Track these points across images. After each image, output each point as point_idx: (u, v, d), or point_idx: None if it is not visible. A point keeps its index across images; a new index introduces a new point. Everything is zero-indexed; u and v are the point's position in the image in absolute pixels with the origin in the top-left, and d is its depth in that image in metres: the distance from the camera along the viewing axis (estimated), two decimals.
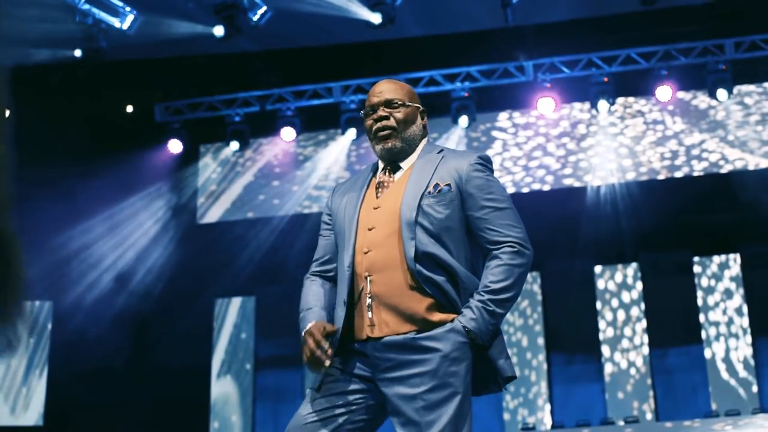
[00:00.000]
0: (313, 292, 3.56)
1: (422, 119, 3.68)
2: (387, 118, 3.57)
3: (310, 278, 3.63)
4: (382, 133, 3.56)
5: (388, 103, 3.59)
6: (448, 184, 3.43)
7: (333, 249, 3.61)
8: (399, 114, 3.58)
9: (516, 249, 3.41)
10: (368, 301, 3.33)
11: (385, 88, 3.65)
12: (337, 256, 3.57)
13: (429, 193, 3.41)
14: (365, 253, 3.38)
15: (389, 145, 3.55)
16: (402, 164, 3.58)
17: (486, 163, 3.56)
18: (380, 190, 3.54)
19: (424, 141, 3.67)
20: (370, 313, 3.32)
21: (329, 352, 3.29)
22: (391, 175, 3.57)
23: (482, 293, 3.32)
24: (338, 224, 3.54)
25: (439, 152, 3.58)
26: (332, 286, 3.57)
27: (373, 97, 3.63)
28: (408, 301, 3.29)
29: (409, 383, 3.23)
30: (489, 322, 3.30)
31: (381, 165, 3.64)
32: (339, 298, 3.41)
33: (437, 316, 3.30)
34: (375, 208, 3.48)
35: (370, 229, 3.42)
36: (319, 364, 3.29)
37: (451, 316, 3.30)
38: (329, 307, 3.50)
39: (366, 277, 3.35)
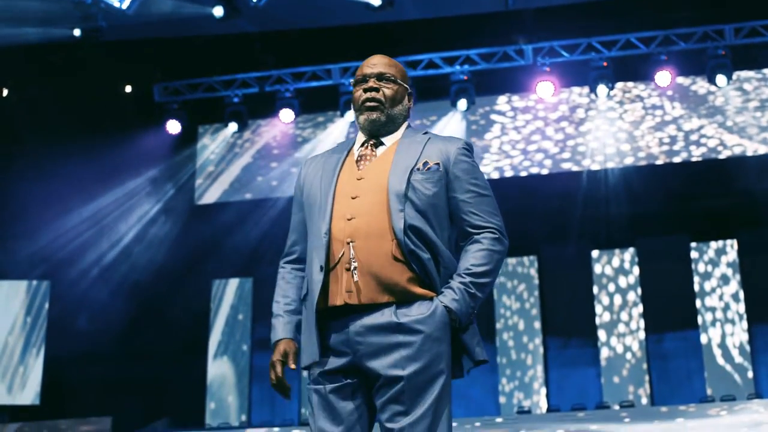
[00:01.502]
0: (282, 290, 3.57)
1: (409, 101, 3.66)
2: (377, 90, 3.54)
3: (281, 269, 3.62)
4: (369, 104, 3.53)
5: (380, 77, 3.57)
6: (437, 164, 3.43)
7: (299, 232, 3.59)
8: (388, 90, 3.56)
9: (497, 236, 3.42)
10: (347, 266, 3.29)
11: (379, 62, 3.63)
12: (304, 241, 3.56)
13: (418, 169, 3.40)
14: (348, 219, 3.35)
15: (374, 116, 3.52)
16: (385, 140, 3.56)
17: (471, 150, 3.55)
18: (362, 162, 3.51)
19: (406, 124, 3.65)
20: (347, 279, 3.29)
21: (288, 390, 3.41)
22: (374, 149, 3.54)
23: (464, 275, 3.32)
24: (312, 195, 3.49)
25: (424, 134, 3.57)
26: (301, 278, 3.55)
27: (366, 67, 3.61)
28: (390, 271, 3.27)
29: (392, 364, 3.22)
30: (469, 304, 3.31)
31: (361, 139, 3.60)
32: (314, 265, 3.36)
33: (417, 290, 3.28)
34: (358, 179, 3.44)
35: (353, 198, 3.39)
36: (283, 393, 3.41)
37: (430, 293, 3.30)
38: (299, 303, 3.50)
39: (348, 243, 3.31)
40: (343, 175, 3.47)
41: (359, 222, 3.33)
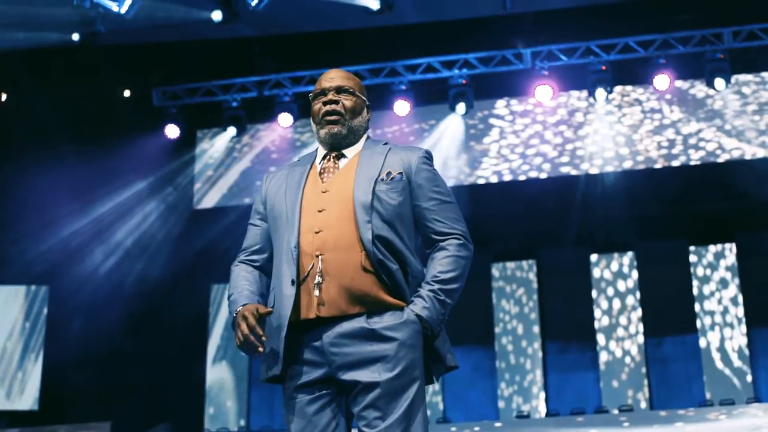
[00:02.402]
0: (242, 276, 3.54)
1: (367, 113, 3.69)
2: (336, 102, 3.57)
3: (238, 265, 3.61)
4: (329, 117, 3.55)
5: (339, 89, 3.60)
6: (400, 173, 3.46)
7: (262, 238, 3.60)
8: (348, 102, 3.59)
9: (462, 242, 3.45)
10: (317, 279, 3.30)
11: (337, 75, 3.66)
12: (267, 245, 3.57)
13: (382, 179, 3.43)
14: (316, 233, 3.36)
15: (335, 129, 3.54)
16: (346, 152, 3.58)
17: (431, 159, 3.58)
18: (325, 174, 3.53)
19: (365, 135, 3.68)
20: (318, 292, 3.30)
21: (263, 338, 3.28)
22: (336, 162, 3.56)
23: (432, 283, 3.35)
24: (276, 208, 3.51)
25: (384, 144, 3.61)
26: (260, 274, 3.56)
27: (324, 81, 3.63)
28: (359, 283, 3.29)
29: (367, 370, 3.24)
30: (440, 311, 3.33)
31: (322, 153, 3.62)
32: (285, 279, 3.37)
33: (387, 299, 3.31)
34: (323, 192, 3.46)
35: (320, 211, 3.41)
36: (253, 350, 3.28)
37: (400, 302, 3.32)
38: (259, 293, 3.49)
39: (317, 256, 3.32)
40: (308, 189, 3.50)
41: (327, 235, 3.36)
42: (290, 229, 3.41)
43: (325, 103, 3.57)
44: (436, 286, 3.34)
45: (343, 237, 3.34)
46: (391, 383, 3.22)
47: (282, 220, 3.46)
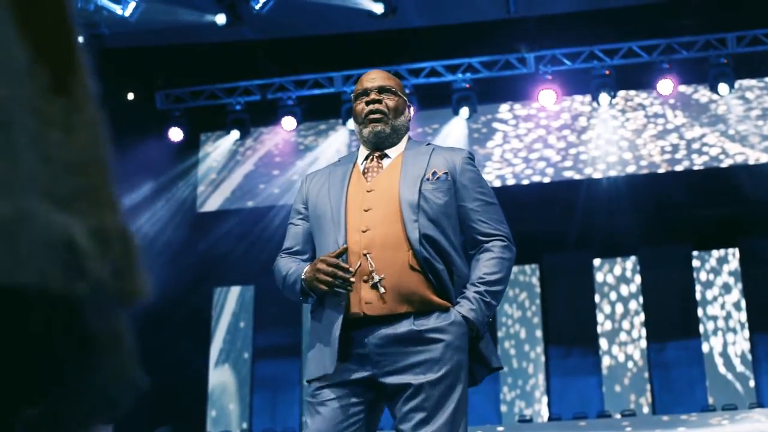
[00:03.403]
0: (290, 260, 3.55)
1: (409, 113, 3.72)
2: (380, 102, 3.58)
3: (283, 257, 3.61)
4: (373, 116, 3.57)
5: (381, 89, 3.62)
6: (445, 173, 3.48)
7: (303, 239, 3.59)
8: (391, 102, 3.61)
9: (506, 243, 3.48)
10: (365, 278, 3.31)
11: (379, 76, 3.69)
12: (306, 246, 3.58)
13: (428, 179, 3.45)
14: (363, 231, 3.37)
15: (379, 128, 3.56)
16: (389, 152, 3.60)
17: (474, 160, 3.62)
18: (369, 174, 3.54)
19: (407, 136, 3.70)
20: (368, 290, 3.30)
21: (350, 268, 3.26)
22: (379, 162, 3.58)
23: (478, 284, 3.37)
24: (320, 207, 3.51)
25: (427, 145, 3.63)
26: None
27: (366, 82, 3.65)
28: (407, 282, 3.30)
29: (414, 372, 3.25)
30: (485, 314, 3.36)
31: (364, 153, 3.63)
32: None
33: (433, 299, 3.31)
34: (368, 191, 3.47)
35: (366, 210, 3.41)
36: (346, 284, 3.26)
37: (445, 303, 3.32)
38: None
39: (365, 255, 3.33)
40: (352, 188, 3.50)
41: (374, 233, 3.36)
42: (337, 227, 3.41)
43: (368, 103, 3.58)
44: (482, 288, 3.36)
45: (391, 236, 3.35)
46: (437, 385, 3.22)
47: (327, 219, 3.46)
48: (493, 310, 3.41)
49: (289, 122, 12.76)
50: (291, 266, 3.49)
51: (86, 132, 0.94)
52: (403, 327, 3.28)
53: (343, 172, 3.58)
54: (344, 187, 3.50)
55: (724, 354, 12.81)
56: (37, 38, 0.90)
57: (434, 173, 3.46)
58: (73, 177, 0.88)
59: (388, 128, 3.57)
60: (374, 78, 3.66)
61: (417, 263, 3.31)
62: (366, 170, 3.56)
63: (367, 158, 3.60)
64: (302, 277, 3.37)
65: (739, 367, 12.72)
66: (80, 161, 0.90)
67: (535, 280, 13.53)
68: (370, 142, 3.59)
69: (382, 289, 3.28)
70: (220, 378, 13.66)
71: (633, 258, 13.35)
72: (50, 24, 0.93)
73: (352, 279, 3.25)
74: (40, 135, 0.86)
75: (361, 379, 3.31)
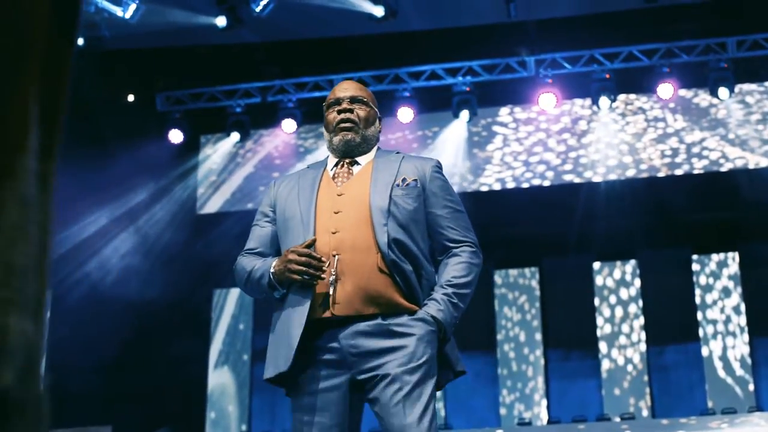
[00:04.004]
0: (256, 259, 3.58)
1: (379, 124, 3.78)
2: (351, 111, 3.65)
3: (245, 256, 3.64)
4: (344, 125, 3.63)
5: (353, 99, 3.69)
6: (415, 180, 3.54)
7: (268, 240, 3.63)
8: (362, 112, 3.68)
9: (474, 250, 3.54)
10: (332, 278, 3.34)
11: (351, 86, 3.76)
12: (271, 249, 3.60)
13: (398, 185, 3.51)
14: (333, 233, 3.41)
15: (349, 136, 3.62)
16: (359, 160, 3.65)
17: (442, 169, 3.69)
18: (338, 179, 3.60)
19: (376, 146, 3.76)
20: (333, 291, 3.33)
21: (322, 258, 3.30)
22: (350, 168, 3.63)
23: (446, 286, 3.42)
24: (289, 210, 3.54)
25: (397, 153, 3.70)
26: None
27: (338, 91, 3.72)
28: (375, 284, 3.33)
29: (387, 366, 3.27)
30: (453, 315, 3.40)
31: (332, 161, 3.69)
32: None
33: (401, 301, 3.35)
34: (339, 195, 3.52)
35: (336, 213, 3.46)
36: (318, 270, 3.29)
37: (413, 306, 3.36)
38: None
39: (334, 256, 3.36)
40: (322, 192, 3.55)
41: (344, 236, 3.41)
42: (306, 229, 3.44)
43: (339, 112, 3.64)
44: (450, 290, 3.40)
45: (360, 238, 3.39)
46: (414, 373, 3.25)
47: (296, 221, 3.50)
48: (461, 313, 3.43)
49: (289, 125, 12.75)
50: (256, 263, 3.52)
51: (5, 236, 0.89)
52: (371, 323, 3.32)
53: (313, 177, 3.62)
54: (314, 190, 3.55)
55: (724, 358, 12.81)
56: None
57: (404, 180, 3.52)
58: None
59: (358, 137, 3.63)
60: (347, 88, 3.73)
61: (385, 266, 3.35)
62: (336, 175, 3.61)
63: (336, 165, 3.66)
64: (271, 270, 3.40)
65: (739, 371, 12.72)
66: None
67: (534, 283, 13.53)
68: (339, 150, 3.65)
69: (337, 292, 3.31)
70: (220, 380, 13.66)
71: (633, 261, 13.35)
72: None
73: (325, 268, 3.29)
74: None
75: (341, 381, 3.34)
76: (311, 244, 3.36)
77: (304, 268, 3.28)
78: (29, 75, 0.90)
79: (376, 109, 3.76)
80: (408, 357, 3.26)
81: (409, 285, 3.36)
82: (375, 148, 3.72)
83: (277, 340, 3.39)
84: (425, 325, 3.32)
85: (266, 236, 3.64)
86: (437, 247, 3.55)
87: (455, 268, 3.45)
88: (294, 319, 3.34)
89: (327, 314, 3.33)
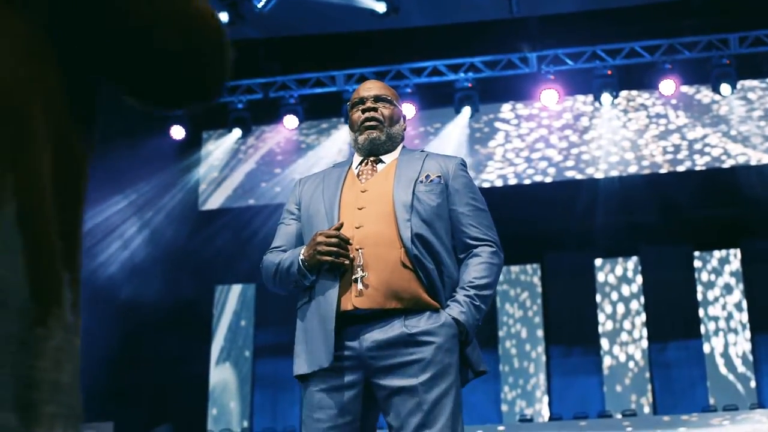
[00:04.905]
0: (283, 253, 3.58)
1: (404, 123, 3.79)
2: (375, 110, 3.66)
3: (272, 251, 3.64)
4: (369, 123, 3.65)
5: (377, 98, 3.70)
6: (438, 176, 3.55)
7: (294, 239, 3.63)
8: (386, 110, 3.69)
9: (494, 249, 3.53)
10: (358, 272, 3.34)
11: (375, 85, 3.78)
12: (295, 246, 3.59)
13: (421, 181, 3.52)
14: (356, 228, 3.42)
15: (374, 134, 3.64)
16: (384, 158, 3.67)
17: (467, 167, 3.70)
18: (363, 176, 3.61)
19: (401, 145, 3.77)
20: (358, 285, 3.33)
21: (349, 240, 3.35)
22: (374, 166, 3.65)
23: (467, 288, 3.41)
24: (313, 206, 3.56)
25: (421, 152, 3.71)
26: None
27: (362, 91, 3.73)
28: (398, 278, 3.33)
29: (406, 374, 3.27)
30: (475, 317, 3.40)
31: (357, 159, 3.71)
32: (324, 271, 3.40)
33: (424, 298, 3.35)
34: (362, 191, 3.54)
35: (360, 208, 3.47)
36: (344, 254, 3.33)
37: (435, 303, 3.36)
38: None
39: (357, 250, 3.37)
40: (347, 188, 3.57)
41: (367, 230, 3.41)
42: (330, 224, 3.46)
43: (363, 111, 3.66)
44: (472, 292, 3.40)
45: (384, 233, 3.40)
46: (430, 387, 3.25)
47: (320, 217, 3.51)
48: (483, 315, 3.44)
49: (290, 121, 12.74)
50: (283, 255, 3.53)
51: (52, 357, 1.02)
52: (395, 330, 3.31)
53: (338, 175, 3.65)
54: (339, 187, 3.57)
55: (725, 354, 12.81)
56: (36, 278, 1.02)
57: (427, 176, 3.53)
58: (37, 394, 0.99)
59: (383, 135, 3.65)
60: (370, 87, 3.74)
61: (409, 261, 3.35)
62: (360, 173, 3.63)
63: (361, 163, 3.68)
64: (300, 257, 3.41)
65: (740, 368, 12.72)
66: (44, 381, 1.01)
67: (536, 280, 13.53)
68: (364, 149, 3.67)
69: (360, 286, 3.32)
70: (221, 376, 13.66)
71: (634, 258, 13.35)
72: (46, 264, 1.05)
73: (351, 255, 3.33)
74: (18, 361, 0.97)
75: (356, 381, 3.34)
76: (339, 227, 3.38)
77: (334, 248, 3.30)
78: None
79: (400, 108, 3.77)
80: (425, 369, 3.26)
81: (431, 280, 3.36)
82: (400, 146, 3.74)
83: (309, 334, 3.40)
84: (447, 330, 3.32)
85: (292, 234, 3.65)
86: (458, 244, 3.54)
87: (476, 269, 3.44)
88: (324, 312, 3.34)
89: (350, 307, 3.32)
